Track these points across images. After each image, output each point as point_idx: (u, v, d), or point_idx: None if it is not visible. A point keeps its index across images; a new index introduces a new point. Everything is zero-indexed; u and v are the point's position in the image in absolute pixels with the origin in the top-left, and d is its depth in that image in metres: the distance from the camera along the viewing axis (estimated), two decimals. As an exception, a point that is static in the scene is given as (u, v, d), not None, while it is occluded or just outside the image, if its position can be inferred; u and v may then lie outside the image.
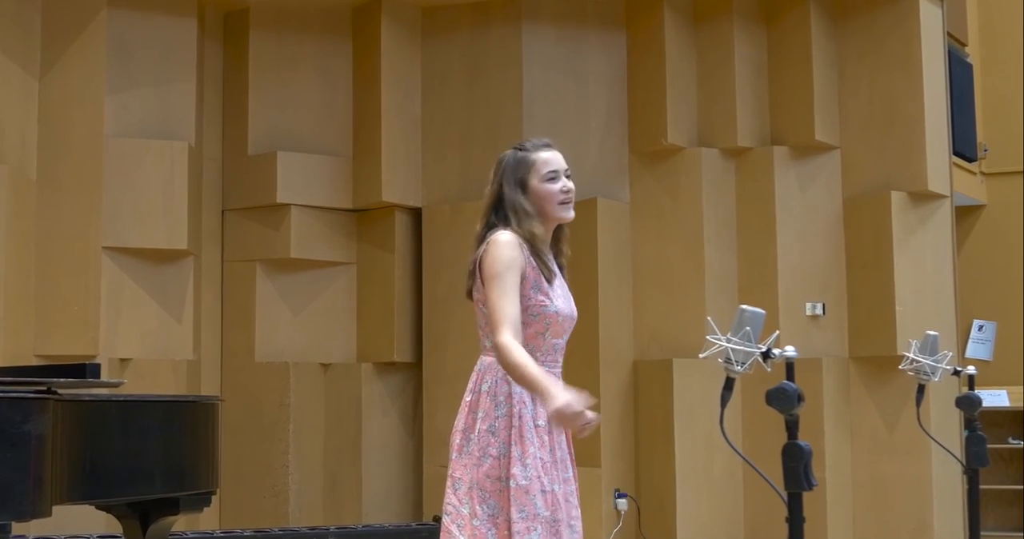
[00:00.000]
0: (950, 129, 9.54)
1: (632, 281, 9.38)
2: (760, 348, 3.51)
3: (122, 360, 8.54)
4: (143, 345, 8.67)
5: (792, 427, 3.48)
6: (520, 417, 4.14)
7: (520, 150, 4.39)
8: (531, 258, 4.19)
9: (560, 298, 4.27)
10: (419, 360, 9.52)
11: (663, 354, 9.17)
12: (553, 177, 4.31)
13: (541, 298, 4.19)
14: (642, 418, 9.18)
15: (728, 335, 3.52)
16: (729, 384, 3.62)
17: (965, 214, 11.99)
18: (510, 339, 4.02)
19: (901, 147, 9.23)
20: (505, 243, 4.16)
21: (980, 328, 12.26)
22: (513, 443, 4.12)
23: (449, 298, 9.21)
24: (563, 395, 3.83)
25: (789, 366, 3.55)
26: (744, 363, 3.52)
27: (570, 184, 4.34)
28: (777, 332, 3.86)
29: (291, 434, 9.26)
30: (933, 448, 8.85)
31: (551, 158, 4.35)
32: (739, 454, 3.58)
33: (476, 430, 4.17)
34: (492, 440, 4.14)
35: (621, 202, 9.43)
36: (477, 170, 9.36)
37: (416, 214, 9.62)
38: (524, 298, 4.17)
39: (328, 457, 9.43)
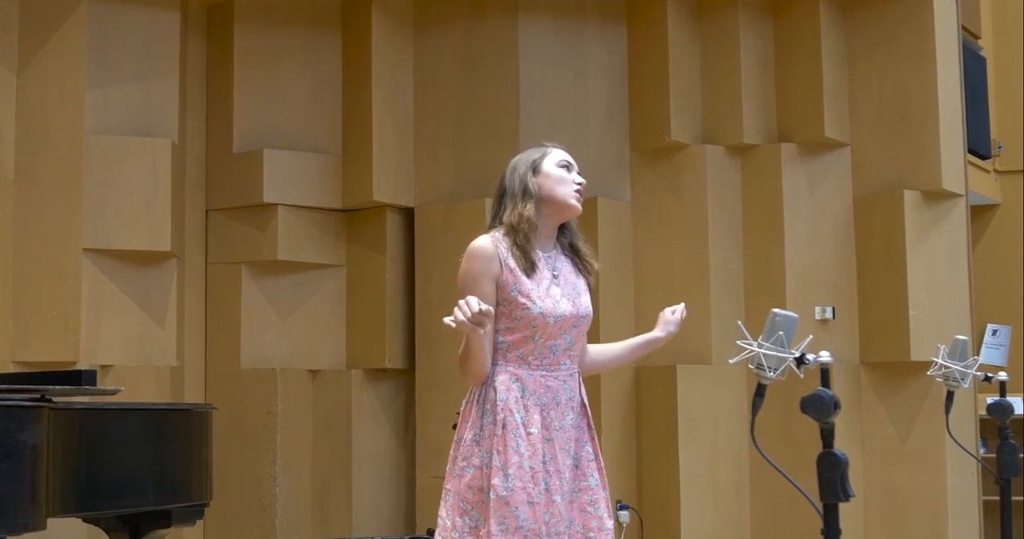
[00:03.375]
0: (964, 125, 9.58)
1: (633, 283, 9.42)
2: (793, 353, 3.56)
3: (103, 367, 8.54)
4: (125, 351, 8.69)
5: (828, 436, 3.53)
6: (504, 426, 4.17)
7: (535, 147, 4.49)
8: (509, 254, 4.23)
9: (546, 298, 4.29)
10: (411, 366, 9.54)
11: (666, 360, 9.18)
12: (566, 166, 4.42)
13: (523, 300, 4.23)
14: (644, 426, 9.22)
15: (759, 340, 3.57)
16: (761, 391, 3.66)
17: (978, 214, 12.04)
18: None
19: (914, 144, 9.25)
20: (473, 253, 4.26)
21: (994, 333, 12.33)
22: (496, 452, 4.15)
23: (443, 301, 9.22)
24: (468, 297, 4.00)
25: (824, 372, 3.60)
26: (777, 369, 3.57)
27: (581, 179, 4.44)
28: (811, 337, 3.91)
29: (278, 444, 9.28)
30: (948, 457, 8.92)
31: (567, 154, 4.54)
32: (773, 465, 3.63)
33: (463, 439, 4.24)
34: (476, 449, 4.20)
35: (622, 201, 9.48)
36: (472, 168, 9.41)
37: (408, 214, 9.65)
38: (506, 302, 4.23)
39: (317, 468, 9.46)
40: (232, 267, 9.43)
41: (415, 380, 9.49)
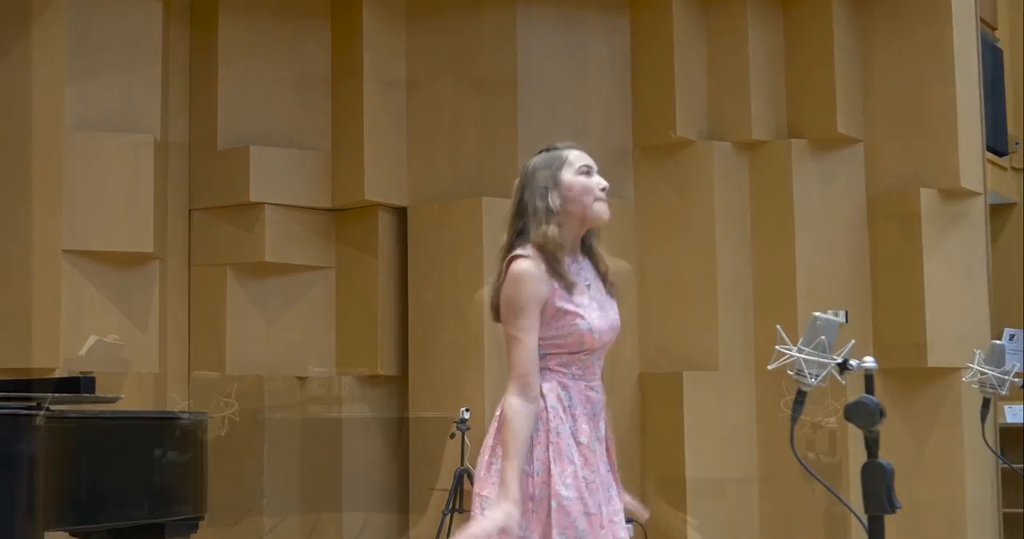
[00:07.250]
0: (983, 120, 9.61)
1: (637, 287, 9.43)
2: (835, 359, 3.60)
3: (82, 373, 8.55)
4: (105, 357, 8.71)
5: (872, 445, 3.57)
6: (558, 433, 4.20)
7: (549, 150, 4.45)
8: (550, 276, 4.26)
9: (594, 311, 4.34)
10: (404, 373, 9.55)
11: (671, 366, 9.23)
12: (587, 171, 4.40)
13: (571, 318, 4.27)
14: (649, 436, 9.25)
15: (799, 345, 3.61)
16: (800, 398, 3.69)
17: (995, 213, 12.02)
18: (517, 403, 4.16)
19: (931, 140, 9.28)
20: (521, 276, 4.22)
21: (1011, 337, 12.37)
22: (552, 461, 4.18)
23: (437, 305, 9.26)
24: (503, 513, 4.02)
25: (868, 378, 3.64)
26: (818, 375, 3.61)
27: (605, 182, 4.43)
28: (853, 341, 3.96)
29: (265, 454, 9.30)
30: (967, 468, 8.95)
31: (583, 155, 4.44)
32: (815, 477, 3.68)
33: None
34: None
35: (625, 201, 9.49)
36: (467, 166, 9.42)
37: (401, 214, 9.66)
38: (553, 319, 4.24)
39: (305, 478, 9.47)
40: (216, 269, 9.44)
41: (408, 387, 9.49)
